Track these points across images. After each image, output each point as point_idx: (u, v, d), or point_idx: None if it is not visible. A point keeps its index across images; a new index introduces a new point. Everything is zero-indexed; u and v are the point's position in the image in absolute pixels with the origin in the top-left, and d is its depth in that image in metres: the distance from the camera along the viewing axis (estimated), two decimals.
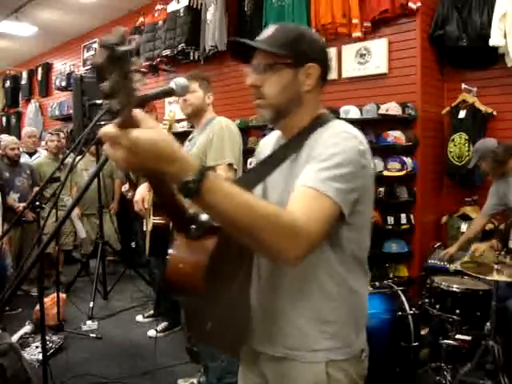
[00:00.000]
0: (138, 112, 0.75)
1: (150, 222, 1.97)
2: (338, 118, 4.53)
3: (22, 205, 4.50)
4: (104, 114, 1.07)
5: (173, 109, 3.77)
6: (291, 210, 0.96)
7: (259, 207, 0.88)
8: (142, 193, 2.42)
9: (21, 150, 5.31)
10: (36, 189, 4.76)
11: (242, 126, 4.43)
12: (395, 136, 3.87)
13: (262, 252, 1.04)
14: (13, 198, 4.54)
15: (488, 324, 2.58)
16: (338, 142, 1.04)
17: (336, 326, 1.12)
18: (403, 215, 3.89)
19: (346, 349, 1.13)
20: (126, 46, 0.69)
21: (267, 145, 1.29)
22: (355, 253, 1.13)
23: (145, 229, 2.37)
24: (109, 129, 0.73)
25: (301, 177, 1.03)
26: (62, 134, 5.41)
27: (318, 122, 1.13)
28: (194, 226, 0.96)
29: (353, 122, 4.30)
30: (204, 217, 0.97)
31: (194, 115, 2.61)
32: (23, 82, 9.49)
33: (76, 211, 4.83)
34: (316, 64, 1.12)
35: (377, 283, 2.96)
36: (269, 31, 1.14)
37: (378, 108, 3.93)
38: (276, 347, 1.15)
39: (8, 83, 9.74)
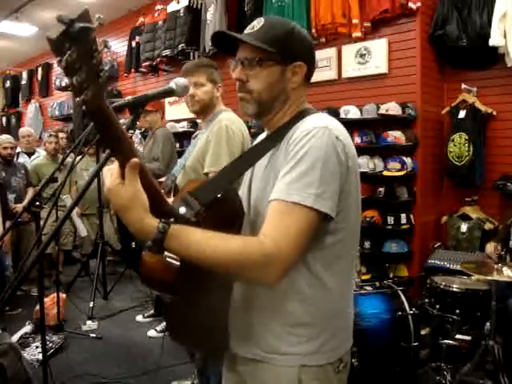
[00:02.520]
0: (130, 170, 0.88)
1: None
2: (338, 117, 4.50)
3: (19, 205, 4.49)
4: None
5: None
6: (261, 236, 0.96)
7: (224, 248, 0.93)
8: None
9: (18, 150, 5.30)
10: (30, 189, 4.76)
11: None
12: (395, 136, 3.87)
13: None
14: (9, 198, 4.51)
15: (488, 324, 2.58)
16: (307, 140, 1.00)
17: (312, 328, 1.08)
18: (403, 215, 3.89)
19: (321, 354, 1.08)
20: (85, 24, 0.67)
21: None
22: (336, 249, 1.08)
23: None
24: (114, 170, 0.90)
25: (275, 187, 1.01)
26: (61, 135, 5.40)
27: (299, 116, 1.12)
28: (172, 220, 0.94)
29: (353, 122, 4.28)
30: (182, 210, 0.96)
31: (203, 111, 2.32)
32: (23, 82, 9.49)
33: (75, 209, 4.83)
34: (303, 62, 1.12)
35: (377, 283, 2.96)
36: (257, 25, 1.11)
37: (378, 108, 3.93)
38: (251, 349, 1.12)
39: (8, 83, 9.73)
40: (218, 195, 1.02)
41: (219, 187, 1.04)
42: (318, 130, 1.01)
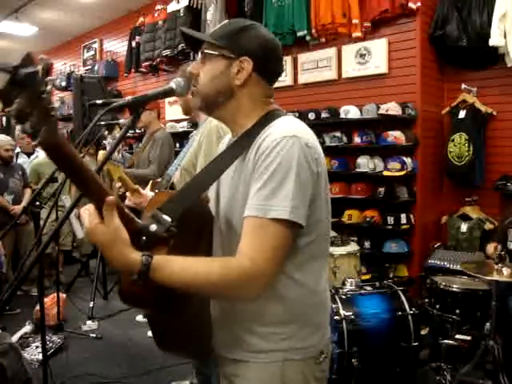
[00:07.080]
0: (107, 208, 0.89)
1: None
2: (338, 117, 4.48)
3: (17, 207, 4.49)
4: (104, 114, 1.07)
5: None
6: (239, 256, 0.98)
7: (204, 273, 0.96)
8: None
9: (18, 150, 5.30)
10: (27, 190, 4.76)
11: None
12: (395, 136, 3.87)
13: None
14: (6, 199, 4.51)
15: (488, 324, 2.58)
16: (278, 152, 0.99)
17: (293, 325, 1.10)
18: (403, 215, 3.89)
19: (303, 349, 1.11)
20: (30, 68, 0.66)
21: (224, 145, 1.30)
22: (309, 249, 1.09)
23: None
24: (90, 210, 0.91)
25: (249, 203, 1.01)
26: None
27: (264, 120, 1.10)
28: (144, 238, 0.96)
29: (353, 122, 4.25)
30: (153, 227, 0.97)
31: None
32: None
33: (74, 210, 4.82)
34: (250, 59, 1.09)
35: (377, 283, 2.96)
36: (220, 25, 1.16)
37: (378, 108, 3.93)
38: (236, 351, 1.14)
39: None
40: (187, 207, 1.02)
41: (188, 199, 1.04)
42: (287, 141, 1.00)
